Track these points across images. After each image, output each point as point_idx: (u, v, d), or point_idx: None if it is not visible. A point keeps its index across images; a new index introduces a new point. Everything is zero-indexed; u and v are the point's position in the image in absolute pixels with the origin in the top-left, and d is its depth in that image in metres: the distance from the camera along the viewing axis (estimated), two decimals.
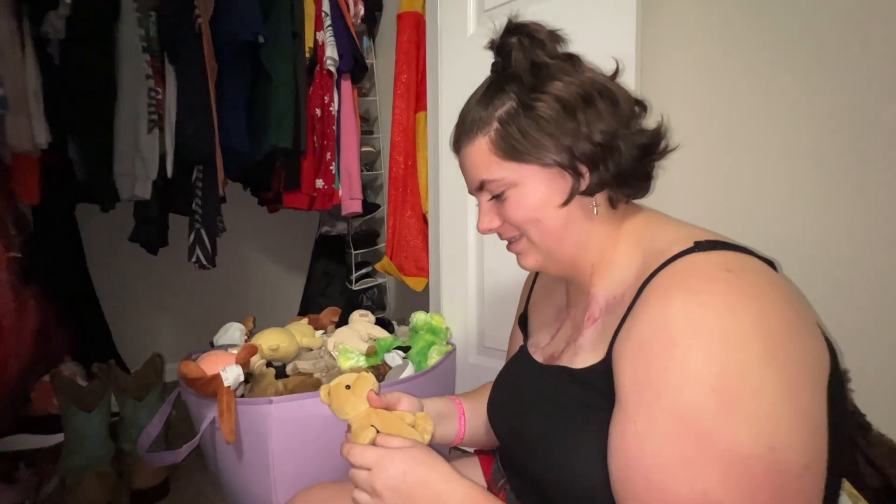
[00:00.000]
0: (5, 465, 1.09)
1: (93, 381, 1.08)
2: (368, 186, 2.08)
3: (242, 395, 0.92)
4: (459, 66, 1.28)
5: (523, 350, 0.63)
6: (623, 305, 0.45)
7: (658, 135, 0.49)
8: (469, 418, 0.67)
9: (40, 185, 1.34)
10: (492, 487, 0.64)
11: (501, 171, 0.49)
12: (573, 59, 0.50)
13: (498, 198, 0.51)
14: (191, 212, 1.50)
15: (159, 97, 1.37)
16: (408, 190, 1.64)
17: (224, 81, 1.51)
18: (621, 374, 0.41)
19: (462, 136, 0.52)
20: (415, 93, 1.62)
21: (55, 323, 1.42)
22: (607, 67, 0.52)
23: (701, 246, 0.42)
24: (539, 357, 0.58)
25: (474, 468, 0.69)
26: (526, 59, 0.48)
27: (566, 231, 0.50)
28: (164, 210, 1.51)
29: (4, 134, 1.21)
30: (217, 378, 0.83)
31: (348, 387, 0.56)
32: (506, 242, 0.55)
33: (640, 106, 0.50)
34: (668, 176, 0.54)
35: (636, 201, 0.53)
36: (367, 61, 1.89)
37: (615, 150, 0.47)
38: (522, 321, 0.68)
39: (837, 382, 0.40)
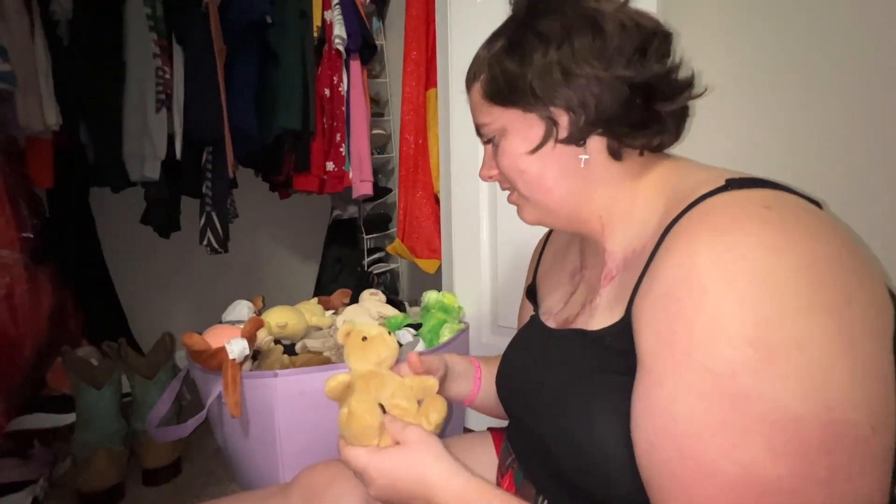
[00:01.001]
0: (21, 442, 1.10)
1: (104, 360, 1.08)
2: (380, 170, 2.06)
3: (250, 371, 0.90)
4: (469, 36, 1.24)
5: (534, 319, 0.59)
6: (643, 257, 0.40)
7: (663, 74, 0.42)
8: (484, 381, 0.65)
9: (53, 169, 1.35)
10: (501, 466, 0.61)
11: (490, 115, 0.47)
12: None
13: (493, 143, 0.49)
14: (201, 195, 1.49)
15: (167, 77, 1.35)
16: (419, 170, 1.60)
17: (232, 62, 1.49)
18: (643, 332, 0.36)
19: (467, 79, 0.50)
20: (425, 69, 1.58)
21: (70, 305, 1.44)
22: None
23: (733, 184, 0.37)
24: (552, 323, 0.54)
25: (487, 445, 0.66)
26: None
27: (556, 182, 0.46)
28: (175, 193, 1.51)
29: (17, 115, 1.21)
30: (222, 351, 0.81)
31: (365, 338, 0.53)
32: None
33: (656, 39, 0.42)
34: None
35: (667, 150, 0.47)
36: (376, 42, 1.86)
37: (595, 94, 0.41)
38: (531, 292, 0.64)
39: None
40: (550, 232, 0.68)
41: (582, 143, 0.44)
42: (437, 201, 1.55)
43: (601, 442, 0.39)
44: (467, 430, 1.19)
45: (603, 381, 0.41)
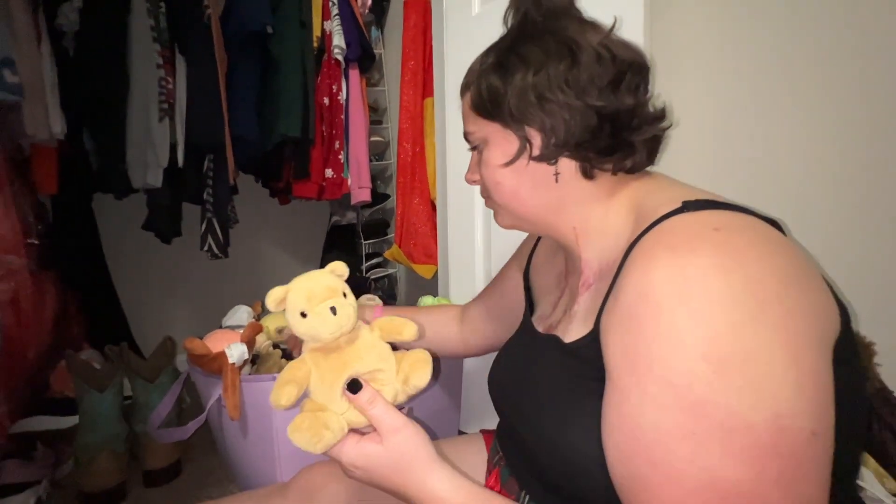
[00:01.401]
0: (24, 444, 1.12)
1: (106, 363, 1.11)
2: (378, 177, 2.09)
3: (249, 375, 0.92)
4: (465, 47, 1.27)
5: (526, 322, 0.61)
6: (613, 271, 0.43)
7: (633, 106, 0.44)
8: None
9: (57, 176, 1.38)
10: (488, 464, 0.63)
11: (475, 125, 0.50)
12: (567, 17, 0.47)
13: (479, 151, 0.52)
14: (202, 201, 1.52)
15: (170, 86, 1.39)
16: (416, 177, 1.63)
17: (233, 72, 1.53)
18: (610, 347, 0.38)
19: (461, 89, 0.53)
20: (422, 79, 1.61)
21: (73, 309, 1.46)
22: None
23: (689, 206, 0.39)
24: (541, 328, 0.57)
25: (478, 446, 0.68)
26: (518, 14, 0.48)
27: (528, 195, 0.48)
28: (177, 199, 1.53)
29: (23, 124, 1.24)
30: (221, 355, 0.84)
31: (304, 314, 0.46)
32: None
33: (631, 70, 0.44)
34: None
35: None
36: (375, 51, 1.89)
37: (565, 120, 0.43)
38: (526, 283, 0.66)
39: (848, 344, 0.37)
40: None
41: (553, 161, 0.46)
42: (434, 208, 1.58)
43: (578, 444, 0.42)
44: (461, 433, 1.21)
45: (579, 387, 0.44)
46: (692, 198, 0.40)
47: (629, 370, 0.36)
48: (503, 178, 0.49)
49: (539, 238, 0.69)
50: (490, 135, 0.49)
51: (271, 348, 1.04)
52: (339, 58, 1.69)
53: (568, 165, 0.47)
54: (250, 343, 0.89)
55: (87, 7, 1.28)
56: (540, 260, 0.66)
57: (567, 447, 0.43)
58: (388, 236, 2.11)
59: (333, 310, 0.45)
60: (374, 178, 1.94)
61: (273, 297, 0.47)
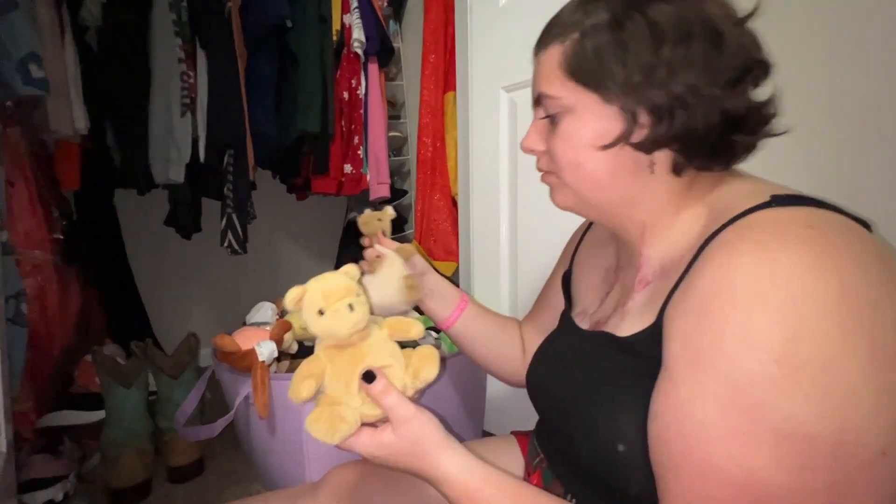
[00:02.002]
0: (52, 439, 1.13)
1: (131, 359, 1.11)
2: (396, 172, 2.07)
3: (276, 373, 0.91)
4: (491, 41, 1.24)
5: (567, 319, 0.59)
6: (680, 267, 0.40)
7: (759, 109, 0.40)
8: (468, 318, 0.69)
9: (80, 172, 1.38)
10: (528, 466, 0.61)
11: (562, 89, 0.43)
12: None
13: (552, 119, 0.45)
14: (223, 197, 1.52)
15: (191, 81, 1.38)
16: (436, 173, 1.61)
17: (253, 66, 1.52)
18: (672, 339, 0.36)
19: (542, 38, 0.45)
20: (443, 73, 1.59)
21: (95, 305, 1.47)
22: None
23: (778, 200, 0.36)
24: (585, 324, 0.54)
25: (512, 448, 0.66)
26: None
27: (610, 182, 0.44)
28: (197, 195, 1.53)
29: (47, 120, 1.24)
30: (251, 353, 0.83)
31: (322, 312, 0.47)
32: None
33: (759, 66, 0.39)
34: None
35: None
36: (393, 45, 1.87)
37: (689, 109, 0.38)
38: (566, 283, 0.64)
39: None
40: (591, 223, 0.67)
41: (652, 151, 0.42)
42: (455, 204, 1.55)
43: (624, 440, 0.40)
44: (486, 434, 1.19)
45: (629, 383, 0.42)
46: (781, 192, 0.37)
47: (689, 362, 0.34)
48: (587, 158, 0.43)
49: (583, 237, 0.66)
50: (580, 105, 0.42)
51: (295, 345, 1.03)
52: (359, 51, 1.68)
53: (662, 158, 0.42)
54: (279, 341, 0.88)
55: (110, 1, 1.27)
56: (585, 255, 0.63)
57: (613, 443, 0.41)
58: (407, 232, 2.09)
59: (350, 307, 0.47)
60: (392, 174, 1.92)
61: (291, 296, 0.49)
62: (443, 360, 0.53)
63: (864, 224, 0.36)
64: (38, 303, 1.20)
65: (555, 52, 0.43)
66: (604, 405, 0.43)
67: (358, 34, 1.66)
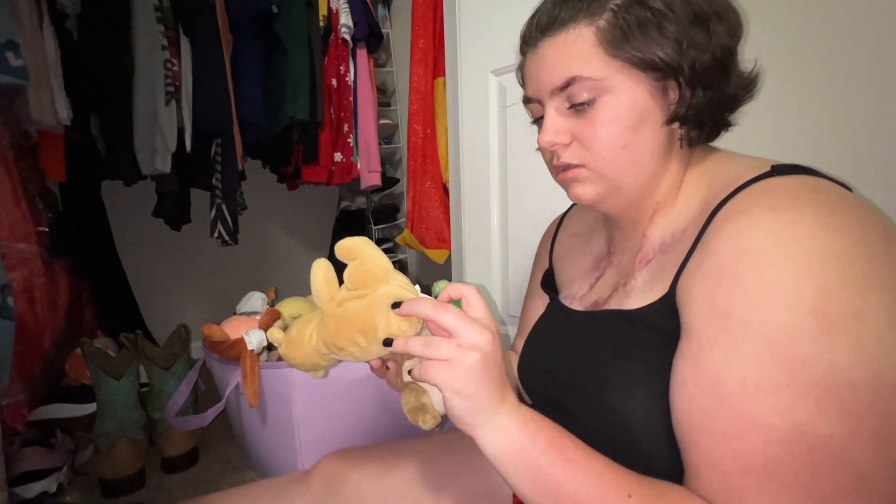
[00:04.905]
0: (44, 431, 1.12)
1: (121, 351, 1.10)
2: (387, 161, 2.05)
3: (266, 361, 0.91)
4: (479, 24, 1.22)
5: (556, 304, 0.58)
6: (686, 240, 0.41)
7: (750, 83, 0.44)
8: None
9: (65, 163, 1.36)
10: None
11: (604, 69, 0.41)
12: None
13: (579, 107, 0.43)
14: (211, 187, 1.50)
15: (175, 69, 1.35)
16: (427, 160, 1.59)
17: (239, 53, 1.49)
18: (693, 305, 0.37)
19: (555, 20, 0.42)
20: (433, 58, 1.56)
21: (85, 297, 1.46)
22: None
23: (779, 169, 0.38)
24: (578, 306, 0.54)
25: None
26: None
27: (649, 161, 0.44)
28: (185, 185, 1.51)
29: (28, 110, 1.21)
30: (240, 342, 0.82)
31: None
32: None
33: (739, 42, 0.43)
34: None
35: None
36: (382, 31, 1.84)
37: (720, 76, 0.41)
38: (548, 281, 0.64)
39: None
40: (563, 218, 0.68)
41: (676, 124, 0.43)
42: (446, 191, 1.54)
43: (640, 411, 0.40)
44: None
45: (640, 355, 0.42)
46: (779, 163, 0.39)
47: (718, 323, 0.34)
48: (632, 139, 0.42)
49: (556, 235, 0.66)
50: (620, 84, 0.41)
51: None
52: (347, 37, 1.65)
53: (678, 133, 0.44)
54: (268, 330, 0.87)
55: None
56: (566, 249, 0.63)
57: (628, 414, 0.41)
58: (399, 221, 2.08)
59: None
60: (383, 163, 1.91)
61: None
62: None
63: (847, 188, 0.38)
64: (26, 296, 1.19)
65: (584, 32, 0.41)
66: (616, 380, 0.43)
67: (345, 19, 1.63)
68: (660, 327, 0.40)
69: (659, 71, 0.41)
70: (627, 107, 0.42)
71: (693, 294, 0.37)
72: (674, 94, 0.42)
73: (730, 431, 0.33)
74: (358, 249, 0.44)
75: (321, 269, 0.45)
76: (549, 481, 0.36)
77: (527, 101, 0.48)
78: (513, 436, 0.37)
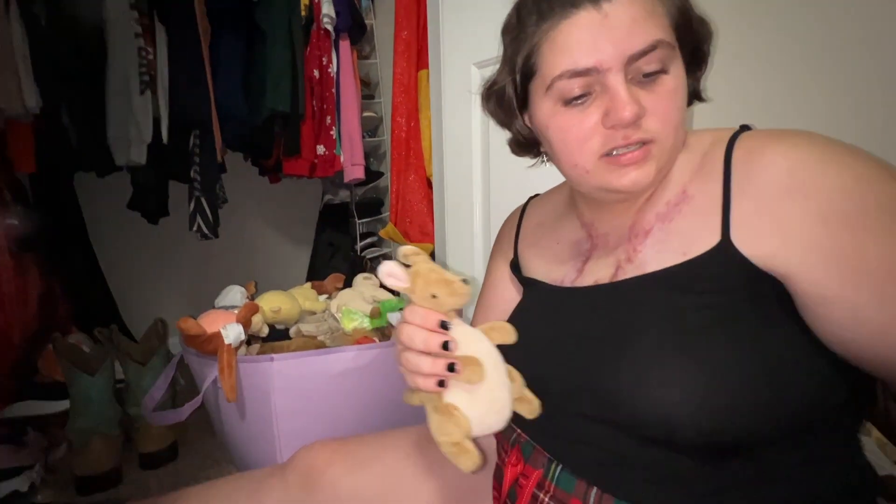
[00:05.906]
0: (15, 429, 1.09)
1: (96, 346, 1.08)
2: (371, 154, 2.03)
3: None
4: (462, 15, 1.21)
5: (544, 288, 0.54)
6: (697, 197, 0.42)
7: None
8: None
9: (35, 154, 1.31)
10: (503, 444, 0.55)
11: (672, 35, 0.40)
12: None
13: (648, 77, 0.39)
14: (190, 179, 1.47)
15: (150, 57, 1.32)
16: (411, 153, 1.58)
17: (218, 43, 1.46)
18: (783, 232, 0.36)
19: None
20: (416, 50, 1.55)
21: (58, 292, 1.42)
22: None
23: (745, 128, 0.41)
24: (582, 284, 0.50)
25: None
26: None
27: (684, 127, 0.44)
28: (163, 177, 1.48)
29: None
30: (217, 336, 0.81)
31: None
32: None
33: None
34: None
35: None
36: (366, 22, 1.82)
37: (706, 45, 0.45)
38: (514, 271, 0.61)
39: None
40: (524, 208, 0.66)
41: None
42: (430, 185, 1.54)
43: (677, 381, 0.37)
44: None
45: (676, 316, 0.40)
46: (736, 126, 0.43)
47: (844, 227, 0.34)
48: (684, 111, 0.42)
49: (520, 224, 0.64)
50: (678, 56, 0.41)
51: (266, 329, 1.02)
52: (329, 27, 1.62)
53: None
54: (246, 324, 0.86)
55: None
56: (534, 239, 0.61)
57: (664, 385, 0.38)
58: (383, 215, 2.07)
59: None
60: (367, 156, 1.89)
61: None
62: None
63: None
64: None
65: None
66: (649, 352, 0.40)
67: (327, 9, 1.61)
68: (719, 276, 0.39)
69: (692, 41, 0.43)
70: (683, 81, 0.42)
71: (773, 225, 0.37)
72: (698, 64, 0.46)
73: None
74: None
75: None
76: None
77: (573, 74, 0.40)
78: None
